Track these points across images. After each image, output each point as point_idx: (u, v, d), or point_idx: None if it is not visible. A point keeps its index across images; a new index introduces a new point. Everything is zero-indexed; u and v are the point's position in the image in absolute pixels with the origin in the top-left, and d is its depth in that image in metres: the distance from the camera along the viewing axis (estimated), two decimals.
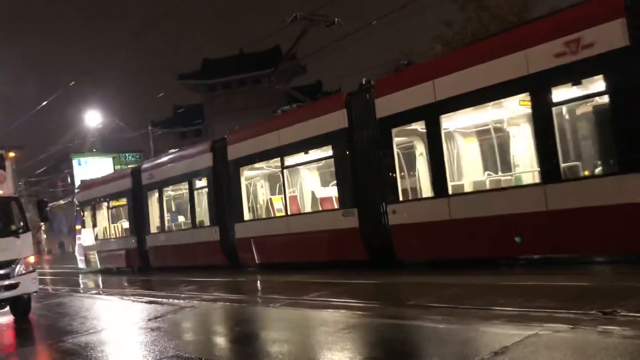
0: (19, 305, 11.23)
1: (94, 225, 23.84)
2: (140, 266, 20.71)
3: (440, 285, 9.12)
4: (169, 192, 19.66)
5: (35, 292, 11.52)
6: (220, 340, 7.42)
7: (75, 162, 43.93)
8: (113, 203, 22.72)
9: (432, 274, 10.80)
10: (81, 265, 25.18)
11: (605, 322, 5.32)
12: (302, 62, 61.81)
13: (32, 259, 11.24)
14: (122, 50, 68.64)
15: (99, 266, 23.79)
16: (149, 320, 8.76)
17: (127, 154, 47.66)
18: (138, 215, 20.29)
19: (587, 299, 6.42)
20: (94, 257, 23.73)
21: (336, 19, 14.82)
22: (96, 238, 23.69)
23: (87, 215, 24.44)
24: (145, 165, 21.19)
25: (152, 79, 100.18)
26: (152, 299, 11.62)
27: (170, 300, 11.04)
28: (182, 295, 11.65)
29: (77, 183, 35.25)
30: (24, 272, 10.88)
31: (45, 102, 24.89)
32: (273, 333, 7.30)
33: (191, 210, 17.98)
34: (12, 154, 11.95)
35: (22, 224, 11.37)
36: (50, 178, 54.33)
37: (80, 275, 24.04)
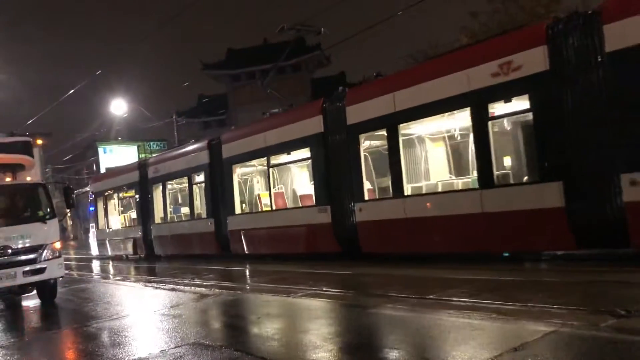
0: (46, 290, 11.42)
1: (106, 215, 25.26)
2: (146, 254, 21.80)
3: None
4: (171, 185, 20.93)
5: (61, 277, 11.67)
6: (241, 328, 7.50)
7: (100, 149, 44.62)
8: (122, 194, 24.18)
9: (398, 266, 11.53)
10: (95, 252, 26.41)
11: (623, 322, 5.31)
12: (326, 52, 61.99)
13: (58, 245, 11.39)
14: (148, 41, 68.52)
15: (109, 253, 24.88)
16: (171, 307, 8.90)
17: (151, 143, 48.18)
18: (144, 207, 21.54)
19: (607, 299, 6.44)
20: (106, 244, 25.01)
21: (322, 29, 16.45)
22: (108, 227, 25.05)
23: (100, 205, 25.77)
24: (151, 160, 22.53)
25: (178, 68, 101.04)
26: (174, 286, 11.81)
27: (192, 288, 11.24)
28: (205, 284, 11.83)
29: (103, 170, 35.95)
30: (50, 257, 11.02)
31: (72, 91, 25.16)
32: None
33: (190, 203, 19.37)
34: (39, 141, 12.26)
35: (48, 210, 11.51)
36: (77, 165, 55.12)
37: (97, 261, 24.79)
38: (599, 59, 8.64)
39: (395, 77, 12.83)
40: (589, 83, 8.80)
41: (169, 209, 20.68)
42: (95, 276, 18.43)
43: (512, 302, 6.57)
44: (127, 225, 23.74)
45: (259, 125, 16.12)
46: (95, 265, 23.62)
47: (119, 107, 43.87)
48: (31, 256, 10.82)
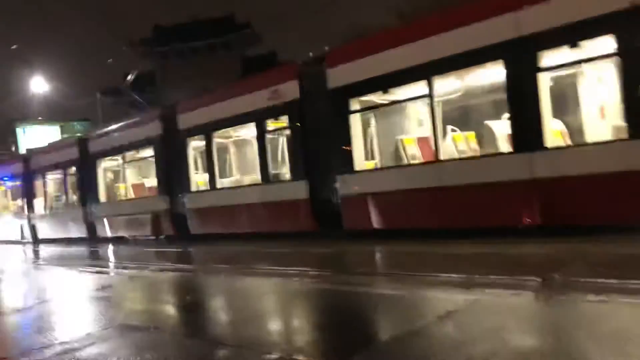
0: None
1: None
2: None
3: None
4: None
5: None
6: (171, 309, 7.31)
7: (19, 130, 42.27)
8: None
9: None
10: None
11: (544, 288, 5.45)
12: (256, 31, 61.25)
13: None
14: (69, 14, 65.12)
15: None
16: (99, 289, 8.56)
17: (75, 123, 46.17)
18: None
19: (529, 267, 6.60)
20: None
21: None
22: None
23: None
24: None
25: (101, 44, 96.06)
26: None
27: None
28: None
29: (23, 152, 34.02)
30: None
31: None
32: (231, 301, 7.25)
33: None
34: None
35: None
36: None
37: None
38: (326, 92, 11.47)
39: (213, 94, 15.39)
40: (322, 111, 11.69)
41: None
42: None
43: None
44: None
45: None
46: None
47: (38, 84, 41.76)
48: None
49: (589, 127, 9.05)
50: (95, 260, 14.88)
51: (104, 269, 11.91)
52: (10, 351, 5.32)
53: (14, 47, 22.44)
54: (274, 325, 5.66)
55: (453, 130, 10.57)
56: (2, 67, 62.26)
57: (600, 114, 9.13)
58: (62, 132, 42.90)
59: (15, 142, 43.43)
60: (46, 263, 15.47)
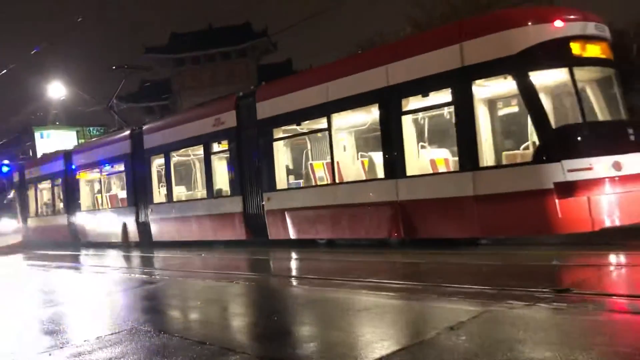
0: None
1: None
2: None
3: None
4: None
5: None
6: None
7: (37, 134, 44.77)
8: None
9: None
10: None
11: (558, 300, 5.39)
12: (272, 39, 62.37)
13: None
14: (87, 21, 67.20)
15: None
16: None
17: (91, 128, 48.50)
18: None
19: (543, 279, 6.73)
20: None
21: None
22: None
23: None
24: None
25: (119, 52, 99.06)
26: None
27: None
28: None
29: (40, 156, 36.44)
30: None
31: (4, 71, 24.83)
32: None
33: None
34: None
35: None
36: (11, 151, 54.78)
37: None
38: (256, 122, 13.57)
39: (172, 119, 18.54)
40: (253, 137, 13.69)
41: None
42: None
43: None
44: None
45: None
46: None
47: (56, 90, 44.00)
48: None
49: (437, 160, 11.03)
50: None
51: None
52: None
53: (34, 52, 23.36)
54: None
55: (362, 157, 12.63)
56: (22, 71, 64.63)
57: (443, 149, 11.18)
58: (79, 137, 45.35)
59: (32, 147, 45.92)
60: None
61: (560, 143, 8.72)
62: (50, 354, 4.97)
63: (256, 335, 5.47)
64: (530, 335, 4.30)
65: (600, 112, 9.34)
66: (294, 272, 10.91)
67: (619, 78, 9.62)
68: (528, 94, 8.95)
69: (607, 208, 8.57)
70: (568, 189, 8.41)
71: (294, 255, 12.62)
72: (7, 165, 29.22)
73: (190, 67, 63.03)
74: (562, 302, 5.26)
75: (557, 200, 8.45)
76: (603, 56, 9.26)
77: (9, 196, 28.09)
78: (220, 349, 4.62)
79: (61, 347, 5.17)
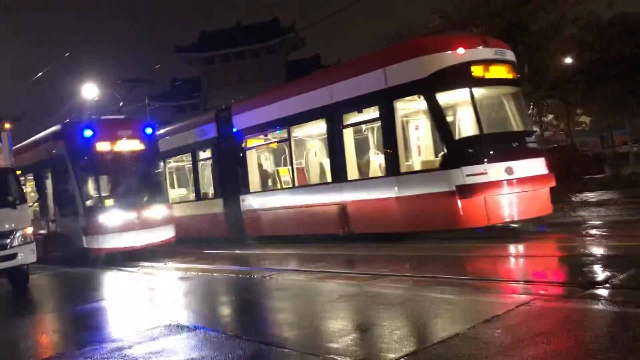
0: (18, 276, 11.21)
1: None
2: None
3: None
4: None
5: (33, 262, 11.33)
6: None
7: None
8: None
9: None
10: None
11: (595, 293, 5.49)
12: (300, 34, 62.65)
13: (29, 230, 11.21)
14: (119, 22, 68.87)
15: None
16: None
17: None
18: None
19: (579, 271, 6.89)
20: None
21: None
22: None
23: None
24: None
25: (149, 52, 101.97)
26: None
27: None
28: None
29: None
30: (21, 242, 10.83)
31: (40, 74, 26.03)
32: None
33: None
34: (7, 125, 11.82)
35: (18, 195, 11.41)
36: None
37: None
38: (232, 133, 15.27)
39: (167, 129, 19.20)
40: (231, 146, 15.36)
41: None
42: None
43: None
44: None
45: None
46: None
47: (89, 90, 46.02)
48: (2, 242, 10.59)
49: (371, 166, 12.85)
50: None
51: None
52: None
53: (67, 54, 24.96)
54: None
55: (316, 163, 14.50)
56: (57, 73, 66.85)
57: (378, 157, 12.76)
58: None
59: None
60: None
61: (460, 152, 10.40)
62: None
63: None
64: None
65: (499, 125, 10.94)
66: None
67: (519, 94, 11.16)
68: (435, 111, 10.68)
69: (501, 206, 10.18)
70: (467, 190, 10.04)
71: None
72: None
73: (220, 65, 63.75)
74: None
75: (458, 200, 10.11)
76: (503, 76, 10.85)
77: None
78: None
79: None
